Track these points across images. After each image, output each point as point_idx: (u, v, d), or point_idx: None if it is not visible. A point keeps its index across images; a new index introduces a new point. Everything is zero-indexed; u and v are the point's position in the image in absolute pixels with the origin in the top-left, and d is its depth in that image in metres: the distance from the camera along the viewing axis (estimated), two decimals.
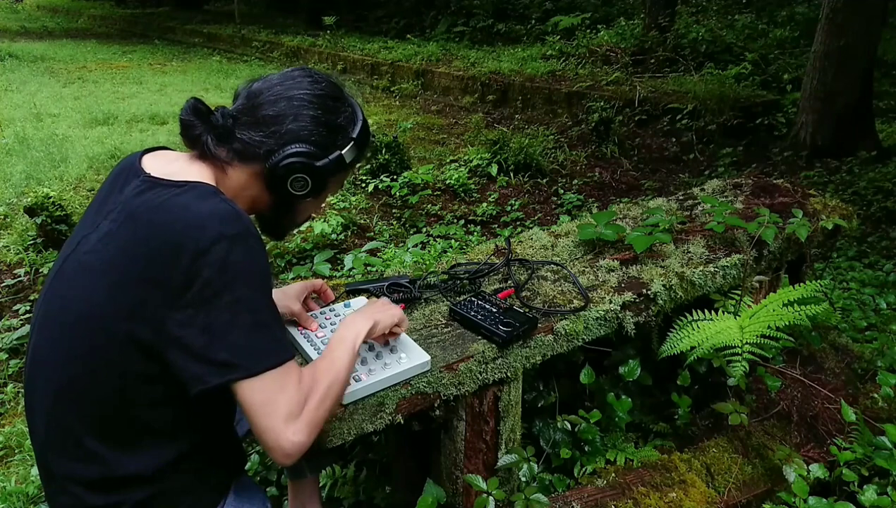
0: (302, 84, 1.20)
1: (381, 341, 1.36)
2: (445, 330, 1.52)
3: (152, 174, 1.12)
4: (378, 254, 3.59)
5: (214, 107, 1.20)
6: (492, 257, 1.90)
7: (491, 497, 1.45)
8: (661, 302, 1.71)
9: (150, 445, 1.10)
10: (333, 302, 1.59)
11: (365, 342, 1.28)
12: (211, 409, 1.17)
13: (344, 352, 1.17)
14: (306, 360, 1.38)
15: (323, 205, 1.39)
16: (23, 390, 2.68)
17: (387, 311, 1.30)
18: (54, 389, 1.10)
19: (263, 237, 1.17)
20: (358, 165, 1.32)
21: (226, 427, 1.28)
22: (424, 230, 4.18)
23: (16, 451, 2.33)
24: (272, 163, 1.16)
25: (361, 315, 1.27)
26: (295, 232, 3.89)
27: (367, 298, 1.63)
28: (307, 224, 3.89)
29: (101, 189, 1.20)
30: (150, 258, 1.01)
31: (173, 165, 1.16)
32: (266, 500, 1.34)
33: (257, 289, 1.04)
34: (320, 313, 1.52)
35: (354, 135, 1.24)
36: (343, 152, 1.22)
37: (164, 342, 1.01)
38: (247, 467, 2.00)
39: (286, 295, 1.44)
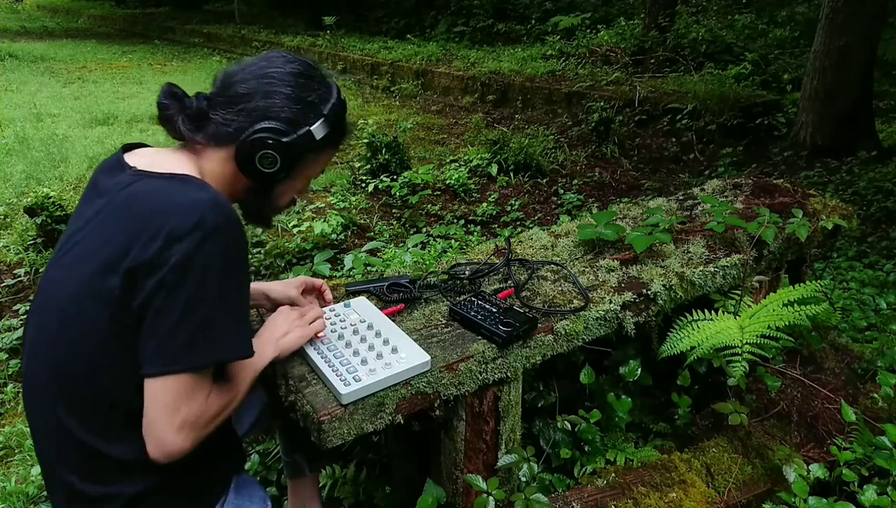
0: (275, 62, 1.21)
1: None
2: (445, 330, 1.51)
3: (138, 168, 1.15)
4: (378, 254, 3.58)
5: (193, 93, 1.23)
6: (492, 257, 1.90)
7: (491, 497, 1.45)
8: (661, 302, 1.71)
9: (139, 435, 1.10)
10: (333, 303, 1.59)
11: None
12: None
13: (250, 378, 1.20)
14: (312, 368, 1.36)
15: (305, 188, 1.37)
16: (22, 389, 2.70)
17: (294, 332, 1.33)
18: (46, 377, 1.12)
19: (251, 228, 1.19)
20: (338, 145, 1.32)
21: None
22: (424, 230, 4.17)
23: (16, 451, 2.33)
24: (241, 140, 1.17)
25: (268, 342, 1.29)
26: (295, 232, 3.89)
27: (367, 298, 1.63)
28: (307, 223, 3.89)
29: (86, 189, 1.22)
30: (135, 240, 1.03)
31: (155, 157, 1.19)
32: (267, 498, 1.34)
33: (220, 286, 1.06)
34: None
35: (325, 112, 1.22)
36: (312, 128, 1.20)
37: (139, 316, 1.04)
38: (246, 466, 2.00)
39: (287, 285, 1.50)
